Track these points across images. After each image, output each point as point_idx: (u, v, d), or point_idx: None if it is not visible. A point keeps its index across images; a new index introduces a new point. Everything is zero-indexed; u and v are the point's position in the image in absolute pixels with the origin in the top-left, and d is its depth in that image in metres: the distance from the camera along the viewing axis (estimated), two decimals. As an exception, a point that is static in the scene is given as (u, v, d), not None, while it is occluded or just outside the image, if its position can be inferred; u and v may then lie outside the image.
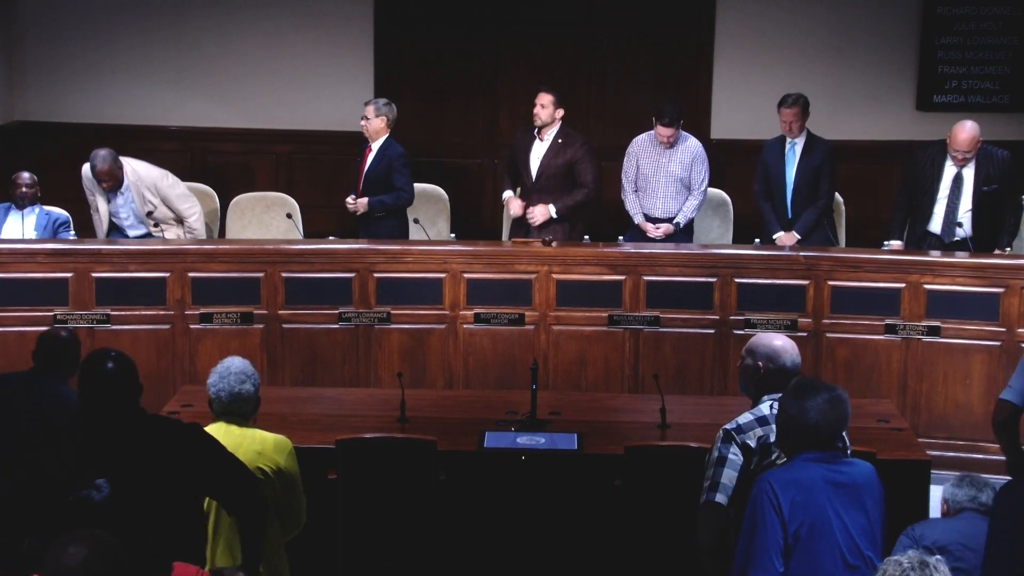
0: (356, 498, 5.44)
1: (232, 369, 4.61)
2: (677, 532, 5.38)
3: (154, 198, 7.94)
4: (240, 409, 4.62)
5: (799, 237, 7.87)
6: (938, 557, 3.28)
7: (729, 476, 4.34)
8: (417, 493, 5.50)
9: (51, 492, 3.63)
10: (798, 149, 8.02)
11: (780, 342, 4.55)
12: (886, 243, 7.72)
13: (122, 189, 7.94)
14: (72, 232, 7.94)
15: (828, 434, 4.08)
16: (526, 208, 8.02)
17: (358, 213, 8.09)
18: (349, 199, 8.12)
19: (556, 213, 7.96)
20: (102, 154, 7.86)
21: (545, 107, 7.98)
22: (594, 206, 8.28)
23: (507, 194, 8.21)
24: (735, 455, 4.35)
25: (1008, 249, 7.56)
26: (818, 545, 3.96)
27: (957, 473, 4.96)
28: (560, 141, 8.02)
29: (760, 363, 4.50)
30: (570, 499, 5.67)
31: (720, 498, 4.31)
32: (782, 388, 4.36)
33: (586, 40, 9.86)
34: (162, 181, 7.99)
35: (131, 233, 8.01)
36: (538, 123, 8.02)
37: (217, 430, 4.51)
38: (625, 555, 5.54)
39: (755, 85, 9.61)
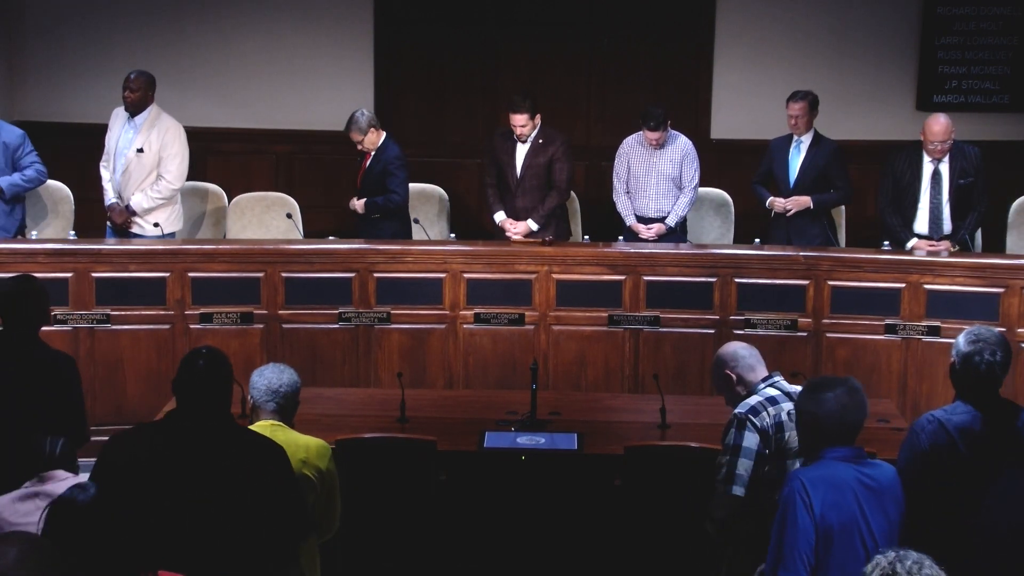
0: (356, 498, 5.44)
1: (281, 367, 4.62)
2: (677, 532, 5.39)
3: (156, 140, 8.02)
4: (291, 408, 4.60)
5: (810, 199, 7.92)
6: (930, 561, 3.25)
7: (745, 466, 4.56)
8: (417, 493, 5.50)
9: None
10: (803, 147, 8.03)
11: (733, 347, 4.95)
12: (885, 243, 7.70)
13: (137, 120, 8.05)
14: (32, 150, 7.91)
15: (851, 424, 4.10)
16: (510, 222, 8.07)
17: (358, 212, 8.11)
18: (351, 202, 8.15)
19: (536, 224, 8.00)
20: (142, 71, 8.10)
21: (525, 126, 7.96)
22: (592, 207, 8.28)
23: (500, 216, 8.12)
24: (751, 443, 4.57)
25: (957, 247, 7.54)
26: (846, 547, 3.94)
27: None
28: (541, 141, 8.04)
29: (727, 371, 4.84)
30: (570, 499, 5.68)
31: (738, 490, 4.56)
32: (757, 377, 4.76)
33: (586, 40, 9.86)
34: (175, 129, 8.11)
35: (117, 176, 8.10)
36: (523, 140, 8.02)
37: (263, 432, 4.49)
38: (625, 555, 5.54)
39: (755, 85, 9.61)
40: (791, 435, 4.62)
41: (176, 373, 4.06)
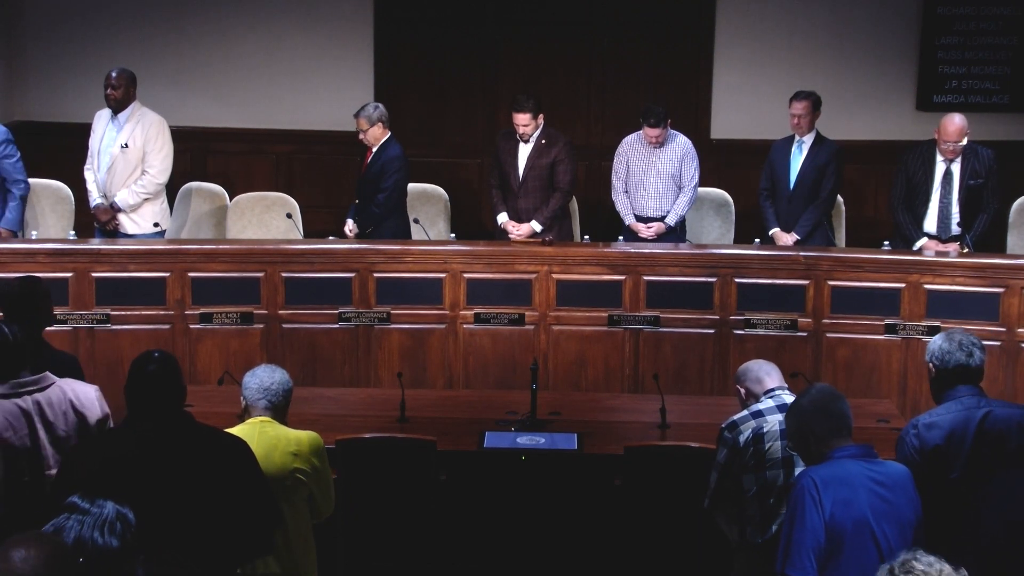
0: (356, 498, 5.44)
1: (273, 368, 4.65)
2: (677, 532, 5.40)
3: (140, 135, 8.04)
4: (283, 406, 4.62)
5: (798, 238, 7.87)
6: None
7: (713, 478, 4.89)
8: (417, 493, 5.50)
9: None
10: (805, 148, 8.01)
11: (747, 363, 5.14)
12: (886, 243, 7.71)
13: (120, 117, 8.05)
14: (12, 155, 7.96)
15: (837, 413, 4.11)
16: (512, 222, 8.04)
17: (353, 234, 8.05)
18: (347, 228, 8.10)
19: (540, 225, 7.97)
20: (122, 68, 8.13)
21: (527, 125, 7.93)
22: (592, 207, 8.26)
23: (502, 218, 8.09)
24: (720, 457, 4.87)
25: (967, 248, 7.52)
26: (859, 545, 3.92)
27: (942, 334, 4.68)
28: (544, 142, 8.03)
29: (738, 386, 5.04)
30: (570, 499, 5.68)
31: (706, 502, 4.96)
32: (763, 389, 4.92)
33: (586, 40, 9.87)
34: (159, 123, 8.12)
35: (101, 177, 8.12)
36: (526, 139, 8.01)
37: (251, 431, 4.51)
38: (625, 555, 5.54)
39: (755, 85, 9.61)
40: (772, 445, 4.74)
41: (127, 379, 4.08)
